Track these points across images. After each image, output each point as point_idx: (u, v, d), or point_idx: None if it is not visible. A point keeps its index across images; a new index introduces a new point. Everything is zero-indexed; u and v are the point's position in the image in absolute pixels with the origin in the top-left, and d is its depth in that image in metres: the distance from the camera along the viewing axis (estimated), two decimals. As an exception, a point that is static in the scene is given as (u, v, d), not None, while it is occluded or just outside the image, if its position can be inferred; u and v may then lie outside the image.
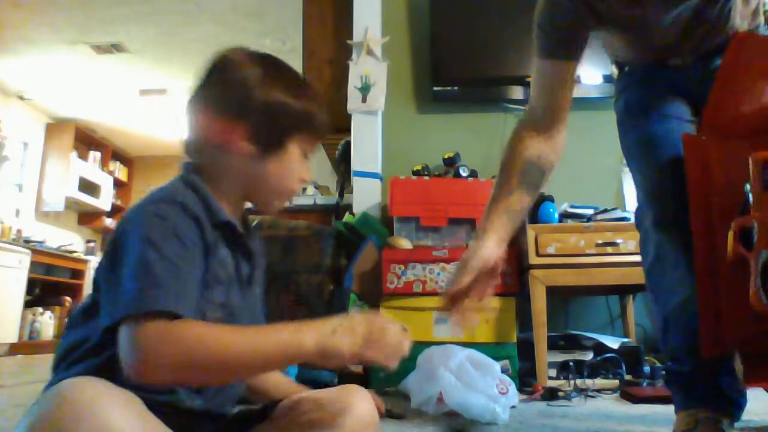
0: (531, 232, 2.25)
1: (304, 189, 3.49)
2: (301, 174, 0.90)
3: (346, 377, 2.14)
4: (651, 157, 1.32)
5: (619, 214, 2.42)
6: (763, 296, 1.01)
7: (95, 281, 0.78)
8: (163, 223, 0.73)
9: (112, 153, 7.21)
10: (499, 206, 1.20)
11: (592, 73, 2.96)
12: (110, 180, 7.04)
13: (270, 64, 0.88)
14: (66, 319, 4.97)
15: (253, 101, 0.84)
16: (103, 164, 7.02)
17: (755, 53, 1.19)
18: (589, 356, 2.23)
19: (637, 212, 1.38)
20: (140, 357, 0.65)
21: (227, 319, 0.82)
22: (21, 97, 5.95)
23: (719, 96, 1.21)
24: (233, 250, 0.84)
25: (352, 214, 2.76)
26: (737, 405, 1.26)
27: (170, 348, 0.66)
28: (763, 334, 1.11)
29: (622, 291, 2.62)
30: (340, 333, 0.72)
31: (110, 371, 0.68)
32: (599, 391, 2.06)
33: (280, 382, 0.97)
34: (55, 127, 6.40)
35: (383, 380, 2.14)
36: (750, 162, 1.07)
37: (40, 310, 5.56)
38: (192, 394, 0.78)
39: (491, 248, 1.13)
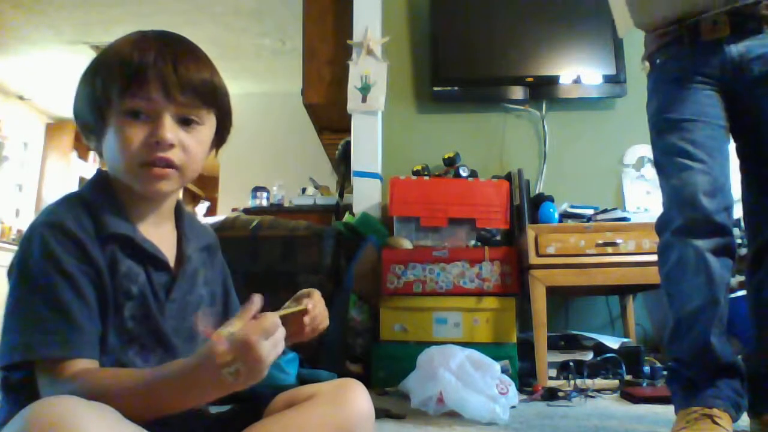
0: (531, 232, 2.24)
1: (305, 189, 3.49)
2: (147, 136, 0.76)
3: (345, 376, 2.14)
4: (681, 166, 1.34)
5: (619, 214, 2.42)
6: None
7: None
8: (45, 254, 0.71)
9: (112, 153, 7.22)
10: None
11: (593, 73, 2.96)
12: (110, 180, 7.04)
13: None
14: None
15: (76, 96, 0.81)
16: (103, 164, 7.02)
17: None
18: (589, 356, 2.23)
19: (662, 218, 1.39)
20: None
21: (150, 335, 0.78)
22: (21, 97, 5.95)
23: None
24: (141, 261, 0.79)
25: (352, 214, 2.76)
26: (737, 406, 1.27)
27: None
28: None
29: (622, 291, 2.62)
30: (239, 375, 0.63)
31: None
32: (599, 391, 2.06)
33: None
34: (55, 127, 6.39)
35: (383, 380, 2.14)
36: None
37: (40, 310, 5.56)
38: None
39: None
